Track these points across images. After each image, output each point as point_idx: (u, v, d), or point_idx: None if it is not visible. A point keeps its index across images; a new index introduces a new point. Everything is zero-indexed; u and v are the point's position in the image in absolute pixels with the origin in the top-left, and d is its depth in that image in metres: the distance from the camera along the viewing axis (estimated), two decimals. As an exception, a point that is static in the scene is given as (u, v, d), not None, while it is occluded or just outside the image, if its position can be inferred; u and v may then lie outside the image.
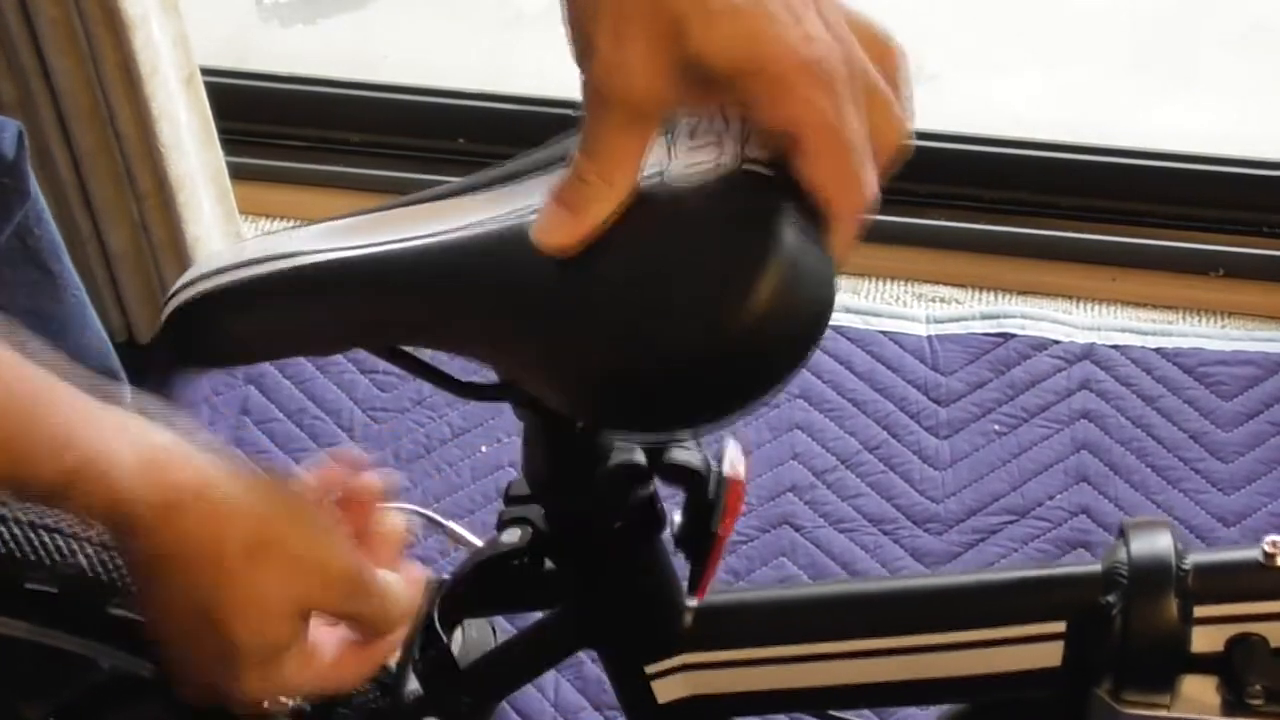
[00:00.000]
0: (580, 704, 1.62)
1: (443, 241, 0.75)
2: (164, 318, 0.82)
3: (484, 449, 1.82)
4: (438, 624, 0.94)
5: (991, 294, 1.95)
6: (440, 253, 0.75)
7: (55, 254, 1.36)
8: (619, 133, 0.69)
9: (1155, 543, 0.89)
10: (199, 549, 0.76)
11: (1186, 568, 0.88)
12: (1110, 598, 0.88)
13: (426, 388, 1.87)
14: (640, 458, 0.87)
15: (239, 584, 0.76)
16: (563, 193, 0.71)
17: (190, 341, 0.81)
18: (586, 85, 0.69)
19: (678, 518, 0.90)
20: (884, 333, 1.90)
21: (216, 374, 1.91)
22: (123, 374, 1.45)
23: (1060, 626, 0.90)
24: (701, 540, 0.88)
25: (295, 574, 0.78)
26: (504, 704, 1.61)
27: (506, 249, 0.73)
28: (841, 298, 1.94)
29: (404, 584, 0.85)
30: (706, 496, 0.87)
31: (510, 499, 0.94)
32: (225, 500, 0.75)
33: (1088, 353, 1.86)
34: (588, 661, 1.63)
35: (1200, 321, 1.91)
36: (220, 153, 1.88)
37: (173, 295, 0.82)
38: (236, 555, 0.76)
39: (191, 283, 0.81)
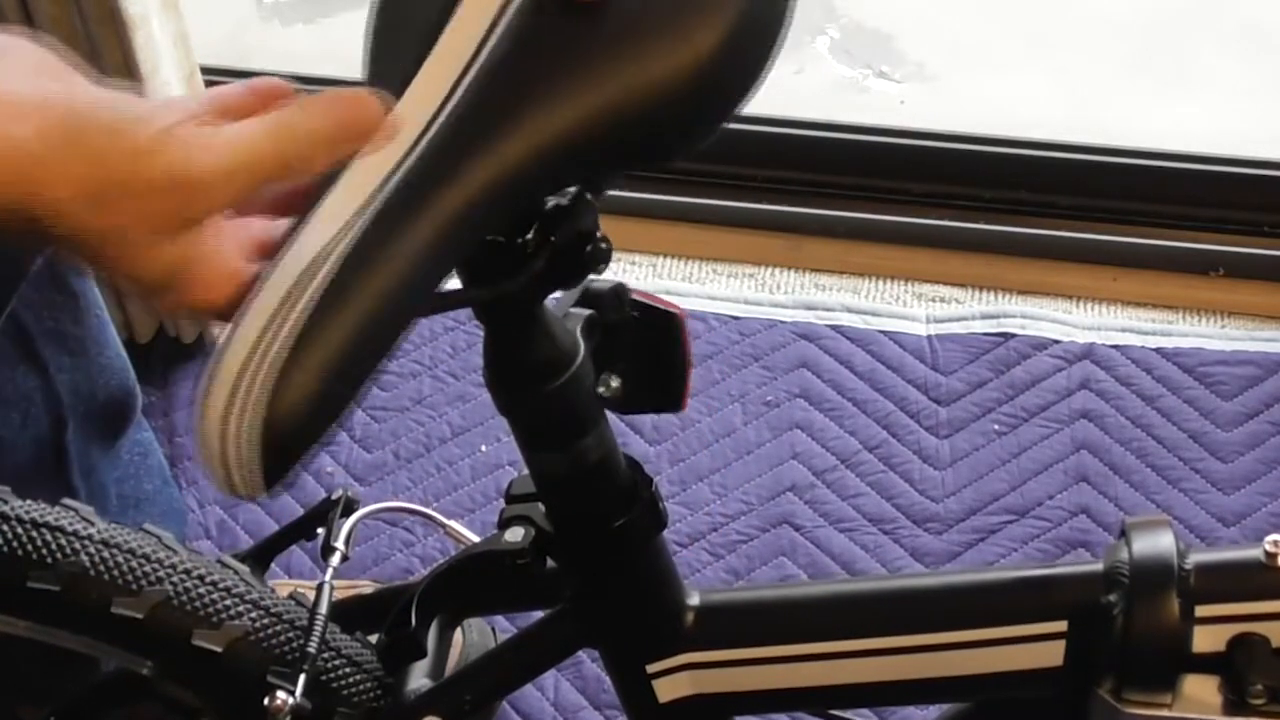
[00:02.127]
0: (580, 703, 1.62)
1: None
2: (251, 472, 0.70)
3: (484, 448, 1.82)
4: (414, 609, 0.93)
5: (991, 294, 1.95)
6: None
7: (79, 276, 1.36)
8: None
9: (1157, 542, 0.89)
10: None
11: (1188, 567, 0.88)
12: (1112, 597, 0.88)
13: (426, 387, 1.87)
14: (587, 311, 0.87)
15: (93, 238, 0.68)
16: None
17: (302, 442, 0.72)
18: None
19: (614, 383, 0.88)
20: (884, 332, 1.90)
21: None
22: (139, 393, 1.45)
23: (1062, 626, 0.90)
24: (670, 339, 0.88)
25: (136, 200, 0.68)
26: (504, 704, 1.61)
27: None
28: (841, 297, 1.94)
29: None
30: (644, 310, 0.88)
31: (512, 498, 0.94)
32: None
33: (1088, 353, 1.86)
34: (588, 661, 1.63)
35: (1200, 321, 1.91)
36: (220, 152, 1.88)
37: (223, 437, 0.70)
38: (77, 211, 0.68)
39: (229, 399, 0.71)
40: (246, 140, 0.69)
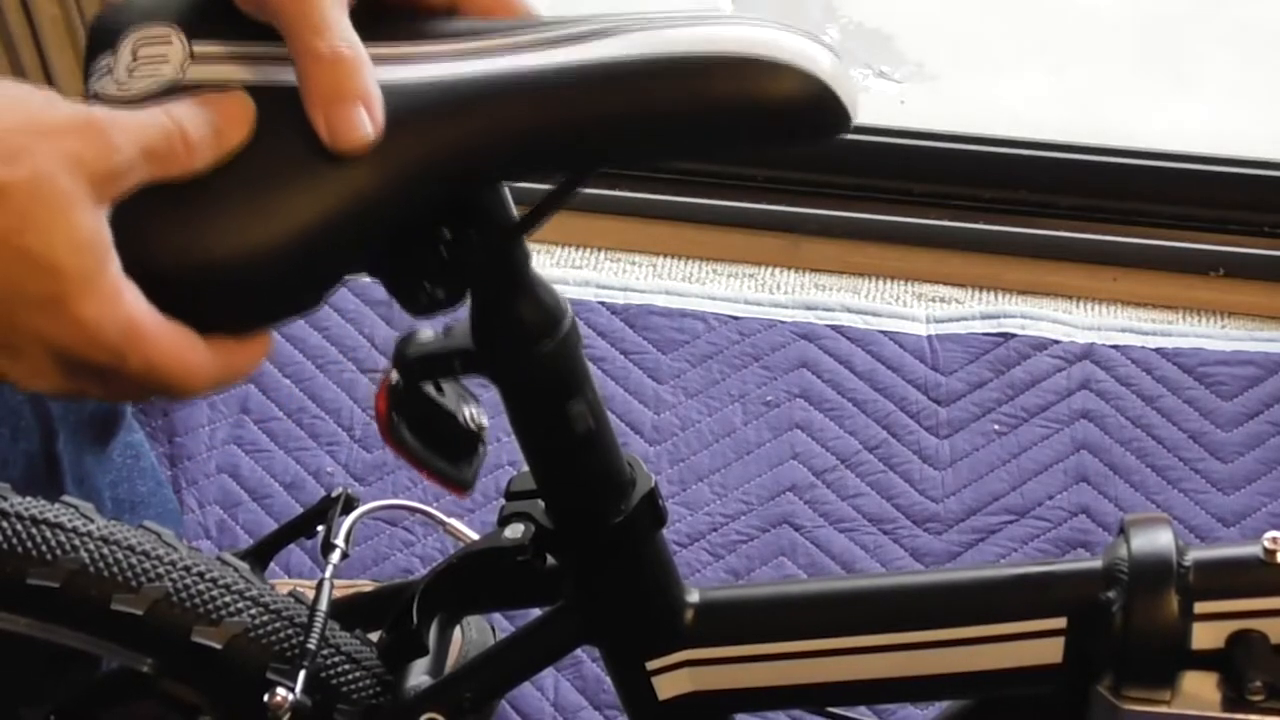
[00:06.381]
0: (580, 703, 1.62)
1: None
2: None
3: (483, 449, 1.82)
4: (414, 609, 0.93)
5: (991, 294, 1.95)
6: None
7: None
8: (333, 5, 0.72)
9: (1156, 539, 0.89)
10: None
11: (1187, 564, 0.88)
12: (1111, 594, 0.88)
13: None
14: None
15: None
16: (340, 88, 0.71)
17: None
18: None
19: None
20: (884, 332, 1.90)
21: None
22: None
23: (1061, 622, 0.90)
24: None
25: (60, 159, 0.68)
26: (504, 703, 1.61)
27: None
28: (841, 298, 1.94)
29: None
30: None
31: (512, 495, 0.94)
32: None
33: (1088, 353, 1.86)
34: (587, 660, 1.63)
35: (1200, 321, 1.91)
36: (220, 152, 1.88)
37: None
38: None
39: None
40: (146, 113, 0.71)
